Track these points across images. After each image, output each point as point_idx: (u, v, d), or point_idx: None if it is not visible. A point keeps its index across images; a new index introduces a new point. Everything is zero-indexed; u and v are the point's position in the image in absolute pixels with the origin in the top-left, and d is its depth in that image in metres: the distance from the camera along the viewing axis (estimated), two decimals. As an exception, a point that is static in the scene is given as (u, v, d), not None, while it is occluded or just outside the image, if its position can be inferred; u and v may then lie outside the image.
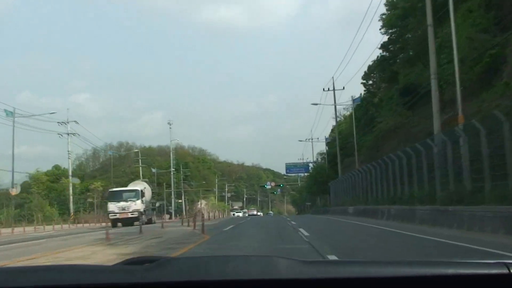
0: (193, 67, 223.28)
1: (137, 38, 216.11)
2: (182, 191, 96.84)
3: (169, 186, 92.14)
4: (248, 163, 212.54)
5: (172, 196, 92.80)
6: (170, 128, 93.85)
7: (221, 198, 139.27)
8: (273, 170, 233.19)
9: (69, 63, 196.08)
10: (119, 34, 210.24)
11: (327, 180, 52.30)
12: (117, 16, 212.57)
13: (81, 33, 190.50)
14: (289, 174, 58.45)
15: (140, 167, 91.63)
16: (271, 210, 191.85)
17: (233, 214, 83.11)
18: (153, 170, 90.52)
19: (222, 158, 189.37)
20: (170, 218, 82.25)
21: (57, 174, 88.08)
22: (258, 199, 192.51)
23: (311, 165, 67.12)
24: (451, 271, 1.49)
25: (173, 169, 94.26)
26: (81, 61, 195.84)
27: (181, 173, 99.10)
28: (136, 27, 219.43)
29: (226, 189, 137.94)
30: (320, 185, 52.73)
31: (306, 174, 73.43)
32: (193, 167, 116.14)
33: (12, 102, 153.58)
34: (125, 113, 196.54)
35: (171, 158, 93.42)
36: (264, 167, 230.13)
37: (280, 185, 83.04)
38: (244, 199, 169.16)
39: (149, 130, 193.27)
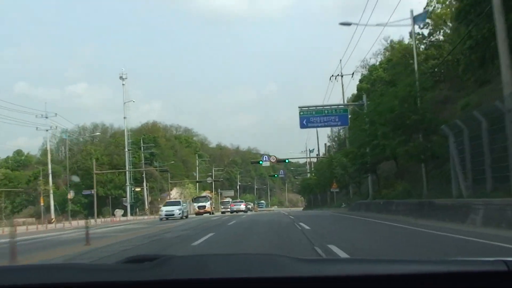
0: (191, 56, 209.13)
1: (134, 26, 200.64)
2: (144, 178, 70.19)
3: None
4: (244, 147, 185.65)
5: (127, 181, 66.26)
6: (123, 84, 67.48)
7: (208, 186, 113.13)
8: (274, 155, 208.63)
9: (64, 53, 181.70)
10: (117, 23, 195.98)
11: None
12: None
13: (74, 22, 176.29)
14: (309, 127, 27.74)
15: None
16: (265, 201, 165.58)
17: (222, 212, 56.73)
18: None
19: (215, 142, 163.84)
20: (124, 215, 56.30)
21: (19, 161, 78.29)
22: (255, 186, 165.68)
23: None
24: (450, 269, 1.50)
25: (132, 147, 67.65)
26: (77, 51, 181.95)
27: (142, 150, 72.56)
28: (133, 15, 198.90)
29: (213, 174, 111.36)
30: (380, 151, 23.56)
31: (341, 128, 45.71)
32: (167, 146, 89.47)
33: (8, 92, 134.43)
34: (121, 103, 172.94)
35: (125, 130, 66.74)
36: (263, 152, 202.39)
37: (285, 161, 52.49)
38: (238, 187, 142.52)
39: (144, 120, 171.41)
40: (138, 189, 67.15)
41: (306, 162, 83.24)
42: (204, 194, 56.83)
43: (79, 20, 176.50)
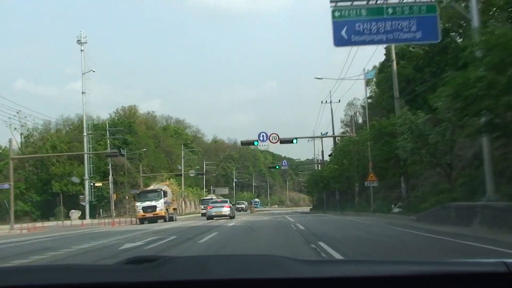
0: (191, 52, 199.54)
1: (134, 24, 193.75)
2: (110, 169, 55.41)
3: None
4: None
5: (86, 174, 51.53)
6: (81, 50, 52.71)
7: (199, 183, 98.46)
8: (272, 152, 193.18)
9: (64, 50, 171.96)
10: (117, 21, 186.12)
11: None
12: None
13: (73, 19, 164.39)
14: (352, 44, 13.87)
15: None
16: (265, 199, 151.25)
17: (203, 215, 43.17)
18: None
19: (211, 137, 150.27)
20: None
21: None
22: (253, 184, 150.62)
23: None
24: (450, 270, 1.51)
25: (101, 133, 53.20)
26: (75, 49, 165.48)
27: (108, 134, 57.61)
28: (133, 12, 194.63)
29: (204, 167, 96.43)
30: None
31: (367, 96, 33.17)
32: (147, 135, 74.44)
33: (8, 89, 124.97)
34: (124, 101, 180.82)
35: (83, 108, 51.95)
36: (262, 148, 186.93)
37: (292, 141, 32.31)
38: (234, 183, 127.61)
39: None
40: (99, 184, 52.19)
41: (315, 157, 68.40)
42: (156, 187, 38.21)
43: (79, 20, 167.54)
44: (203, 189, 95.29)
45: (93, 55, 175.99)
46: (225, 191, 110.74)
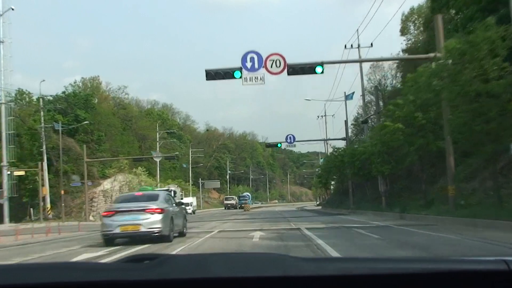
0: (190, 46, 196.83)
1: (132, 18, 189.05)
2: (44, 152, 39.27)
3: None
4: (239, 131, 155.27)
5: (3, 159, 35.68)
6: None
7: (188, 175, 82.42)
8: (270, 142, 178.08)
9: (62, 44, 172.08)
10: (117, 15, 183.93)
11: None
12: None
13: (73, 13, 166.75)
14: None
15: None
16: (264, 194, 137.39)
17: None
18: None
19: (202, 125, 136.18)
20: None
21: None
22: (251, 176, 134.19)
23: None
24: (450, 267, 1.50)
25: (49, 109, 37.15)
26: (75, 42, 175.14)
27: (41, 103, 41.25)
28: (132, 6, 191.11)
29: (190, 157, 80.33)
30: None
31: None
32: (110, 113, 58.11)
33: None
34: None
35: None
36: (261, 137, 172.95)
37: (315, 69, 17.09)
38: (228, 176, 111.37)
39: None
40: (19, 172, 35.98)
41: (326, 135, 52.08)
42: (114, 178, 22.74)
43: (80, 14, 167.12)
44: (189, 181, 79.19)
45: (92, 47, 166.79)
46: (216, 184, 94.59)
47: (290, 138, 37.64)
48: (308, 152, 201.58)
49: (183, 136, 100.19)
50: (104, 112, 56.76)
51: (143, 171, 50.39)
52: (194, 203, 58.38)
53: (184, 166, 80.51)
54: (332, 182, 48.66)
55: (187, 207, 36.87)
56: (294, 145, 39.62)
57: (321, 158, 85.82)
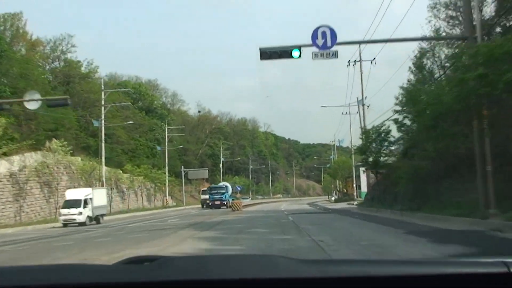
0: (193, 40, 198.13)
1: (136, 9, 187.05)
2: None
3: None
4: (237, 116, 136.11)
5: None
6: None
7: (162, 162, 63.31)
8: (275, 134, 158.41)
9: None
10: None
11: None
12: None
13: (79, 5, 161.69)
14: None
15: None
16: (266, 188, 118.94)
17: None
18: None
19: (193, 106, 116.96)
20: None
21: None
22: (250, 166, 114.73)
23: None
24: (450, 270, 1.49)
25: None
26: (79, 33, 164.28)
27: None
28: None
29: (166, 139, 61.12)
30: None
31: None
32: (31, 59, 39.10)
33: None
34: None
35: None
36: (262, 123, 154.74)
37: None
38: (221, 166, 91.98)
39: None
40: None
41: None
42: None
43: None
44: (164, 169, 60.00)
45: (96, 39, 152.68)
46: (204, 174, 74.65)
47: (323, 35, 15.34)
48: (313, 143, 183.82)
49: (166, 115, 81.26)
50: (23, 60, 37.70)
51: (65, 148, 31.12)
52: (102, 201, 32.02)
53: (159, 148, 61.65)
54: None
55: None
56: (330, 55, 15.82)
57: (340, 142, 66.31)
